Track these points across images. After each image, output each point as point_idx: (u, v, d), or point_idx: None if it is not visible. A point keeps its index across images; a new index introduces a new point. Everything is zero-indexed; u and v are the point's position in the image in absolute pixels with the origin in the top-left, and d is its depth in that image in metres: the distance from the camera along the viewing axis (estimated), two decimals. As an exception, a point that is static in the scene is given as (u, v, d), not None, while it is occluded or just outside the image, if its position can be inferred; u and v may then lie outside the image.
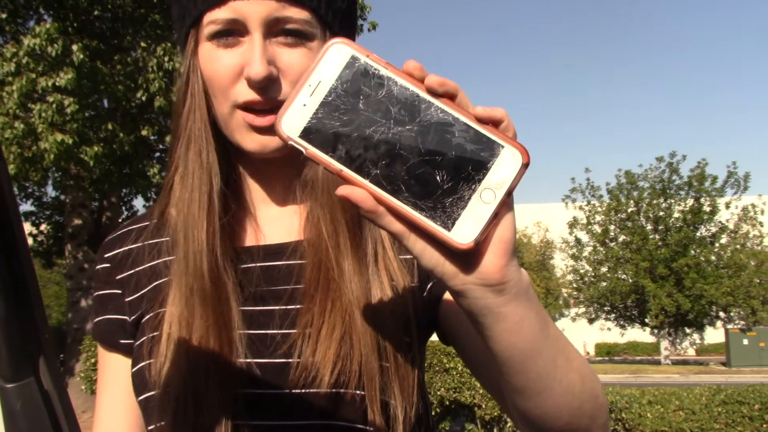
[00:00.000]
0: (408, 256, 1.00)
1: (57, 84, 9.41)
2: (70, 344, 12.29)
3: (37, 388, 0.80)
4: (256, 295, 0.97)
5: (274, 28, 0.93)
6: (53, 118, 9.48)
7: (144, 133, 11.55)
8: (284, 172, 1.04)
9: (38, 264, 16.80)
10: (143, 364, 0.96)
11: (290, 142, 0.64)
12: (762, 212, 22.82)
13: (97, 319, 1.07)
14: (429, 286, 1.00)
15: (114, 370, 1.05)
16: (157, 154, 13.20)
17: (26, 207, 16.06)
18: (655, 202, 24.39)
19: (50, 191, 15.22)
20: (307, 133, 0.63)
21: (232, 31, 0.94)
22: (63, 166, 10.48)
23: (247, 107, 0.94)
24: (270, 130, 0.94)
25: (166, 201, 1.06)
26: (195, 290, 0.94)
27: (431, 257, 0.65)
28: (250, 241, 1.02)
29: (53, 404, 0.80)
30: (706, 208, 22.93)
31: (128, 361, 1.02)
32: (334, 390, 0.89)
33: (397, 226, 0.64)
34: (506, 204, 0.63)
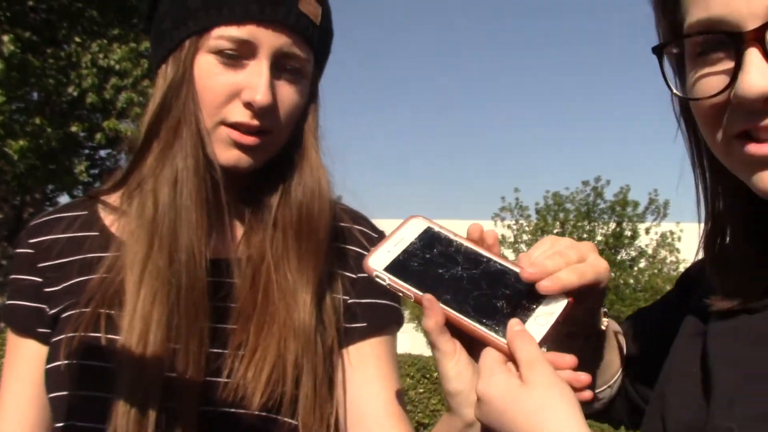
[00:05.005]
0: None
1: (-16, 74, 9.12)
2: (-18, 342, 11.82)
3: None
4: (215, 310, 0.97)
5: (281, 60, 0.96)
6: (-22, 109, 9.17)
7: (73, 129, 11.28)
8: (242, 185, 1.05)
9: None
10: (60, 363, 0.95)
11: (375, 273, 0.80)
12: (679, 239, 23.53)
13: (10, 303, 1.04)
14: (352, 326, 1.05)
15: (25, 357, 1.02)
16: (86, 151, 12.88)
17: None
18: (580, 224, 24.88)
19: (-30, 183, 14.60)
20: (389, 269, 0.80)
21: (240, 52, 0.94)
22: (-15, 158, 10.13)
23: (234, 125, 0.96)
24: (250, 148, 0.97)
25: (117, 197, 1.04)
26: (183, 300, 0.93)
27: (462, 382, 0.78)
28: (213, 252, 1.01)
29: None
30: (627, 233, 23.52)
31: (42, 349, 1.00)
32: (264, 413, 0.93)
33: (449, 346, 0.77)
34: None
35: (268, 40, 0.94)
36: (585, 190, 25.73)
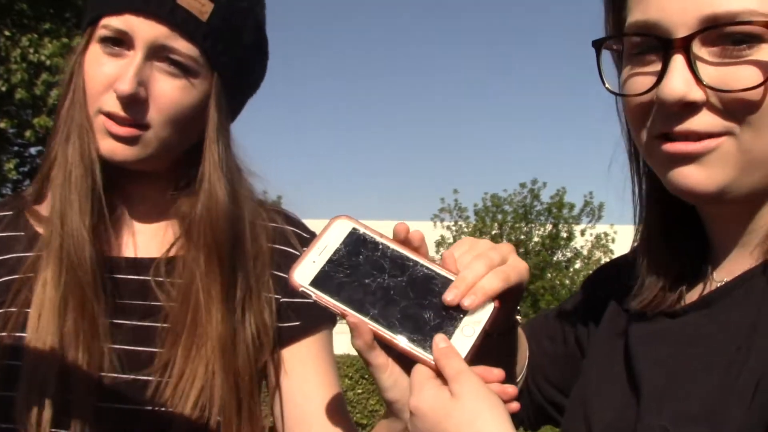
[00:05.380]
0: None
1: None
2: None
3: None
4: (117, 307, 0.99)
5: (159, 53, 0.97)
6: None
7: (2, 125, 10.93)
8: (155, 188, 1.06)
9: None
10: None
11: (301, 289, 0.78)
12: (613, 240, 24.10)
13: None
14: (285, 325, 1.07)
15: None
16: (15, 148, 12.49)
17: None
18: (517, 225, 25.27)
19: None
20: (315, 283, 0.78)
21: (121, 42, 0.97)
22: None
23: (108, 115, 0.97)
24: (124, 139, 0.97)
25: (38, 192, 1.05)
26: (72, 291, 0.94)
27: (398, 390, 0.78)
28: (115, 250, 1.03)
29: None
30: (563, 234, 24.01)
31: None
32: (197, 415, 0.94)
33: (381, 360, 0.77)
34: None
35: (143, 30, 0.96)
36: (522, 192, 26.19)
